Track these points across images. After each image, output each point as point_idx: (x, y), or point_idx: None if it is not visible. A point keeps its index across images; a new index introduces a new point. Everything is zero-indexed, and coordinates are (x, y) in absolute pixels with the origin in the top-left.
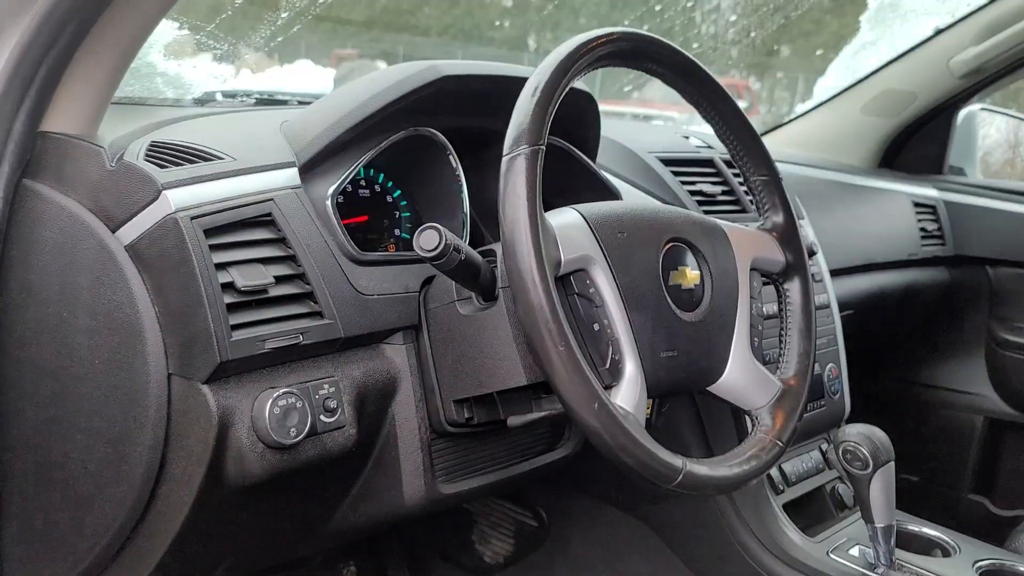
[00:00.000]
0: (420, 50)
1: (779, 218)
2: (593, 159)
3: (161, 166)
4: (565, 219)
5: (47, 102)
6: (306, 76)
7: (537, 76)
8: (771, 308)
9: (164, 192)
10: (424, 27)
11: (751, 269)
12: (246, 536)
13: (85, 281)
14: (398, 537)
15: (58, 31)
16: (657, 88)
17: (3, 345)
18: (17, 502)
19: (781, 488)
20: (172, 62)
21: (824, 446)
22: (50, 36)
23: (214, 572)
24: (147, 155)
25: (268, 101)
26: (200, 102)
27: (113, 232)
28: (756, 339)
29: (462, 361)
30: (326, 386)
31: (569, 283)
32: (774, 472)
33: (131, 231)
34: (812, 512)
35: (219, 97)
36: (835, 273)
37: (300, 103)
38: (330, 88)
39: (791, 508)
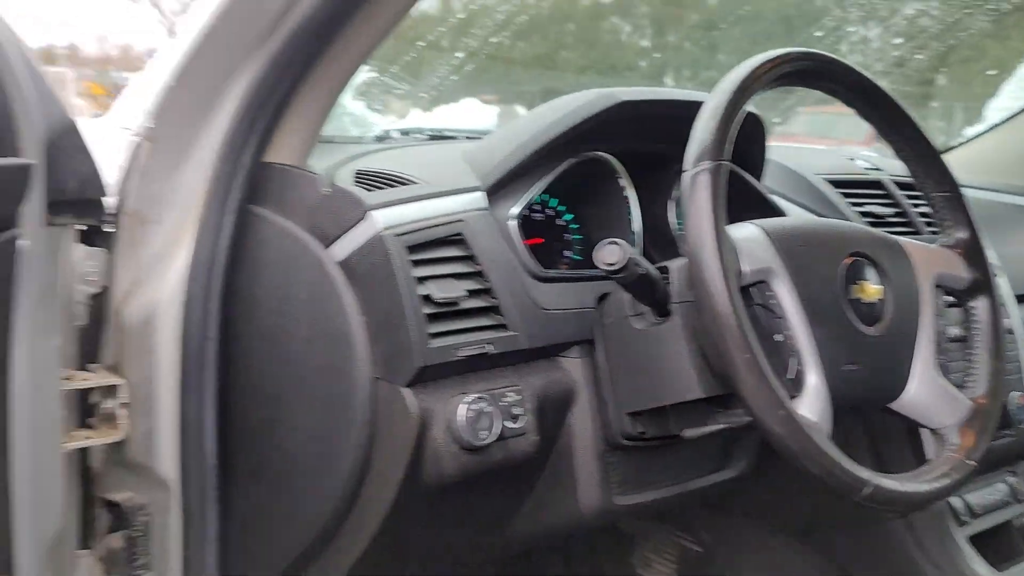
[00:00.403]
0: (558, 91)
1: (963, 234)
2: (759, 180)
3: (368, 190)
4: (745, 232)
5: (270, 137)
6: (469, 114)
7: (717, 96)
8: (953, 331)
9: (371, 212)
10: (562, 68)
11: (935, 286)
12: (434, 538)
13: (303, 294)
14: (558, 558)
15: (281, 75)
16: (802, 122)
17: (231, 353)
18: (239, 495)
19: (965, 519)
20: (357, 102)
21: (1011, 479)
22: (275, 80)
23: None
24: (355, 181)
25: (439, 137)
26: (379, 139)
27: (326, 249)
28: (941, 357)
29: (636, 375)
30: (511, 394)
31: (750, 294)
32: (956, 502)
33: (343, 248)
34: (1000, 547)
35: (395, 134)
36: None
37: (468, 138)
38: (492, 125)
39: (976, 542)
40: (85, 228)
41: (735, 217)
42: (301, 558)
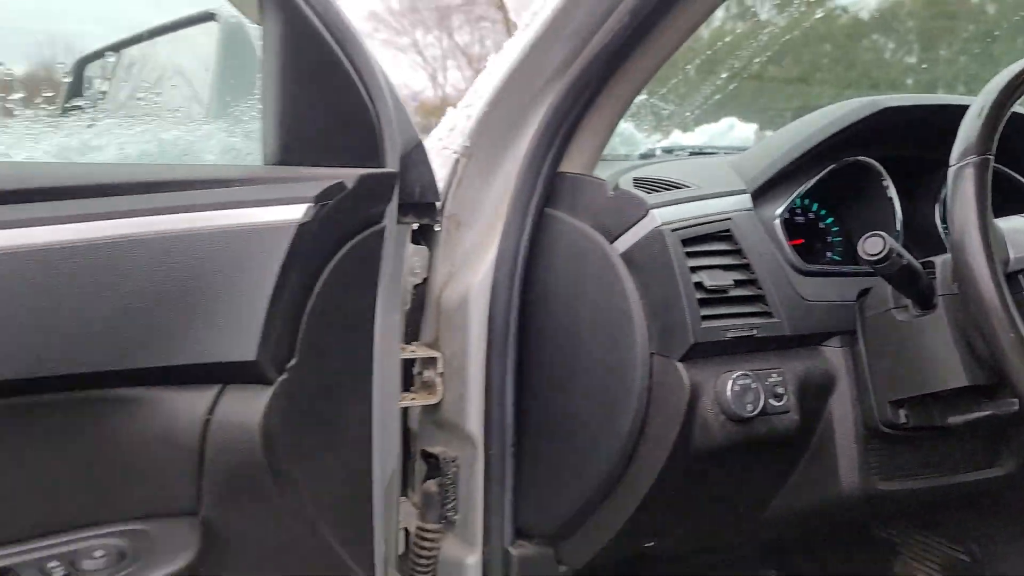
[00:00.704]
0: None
1: None
2: None
3: (647, 192)
4: (1012, 224)
5: (565, 151)
6: (726, 133)
7: (985, 94)
8: None
9: (651, 211)
10: (819, 88)
11: None
12: (697, 506)
13: (590, 281)
14: (816, 559)
15: (575, 101)
16: None
17: (529, 331)
18: (532, 452)
19: None
20: (626, 123)
21: None
22: (570, 104)
23: (659, 542)
24: (634, 185)
25: (699, 154)
26: (644, 157)
27: (611, 243)
28: None
29: (898, 364)
30: (774, 375)
31: (1017, 282)
32: None
33: (625, 242)
34: None
35: (658, 152)
36: None
37: (726, 153)
38: (748, 142)
39: None
40: (415, 228)
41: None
42: (582, 509)
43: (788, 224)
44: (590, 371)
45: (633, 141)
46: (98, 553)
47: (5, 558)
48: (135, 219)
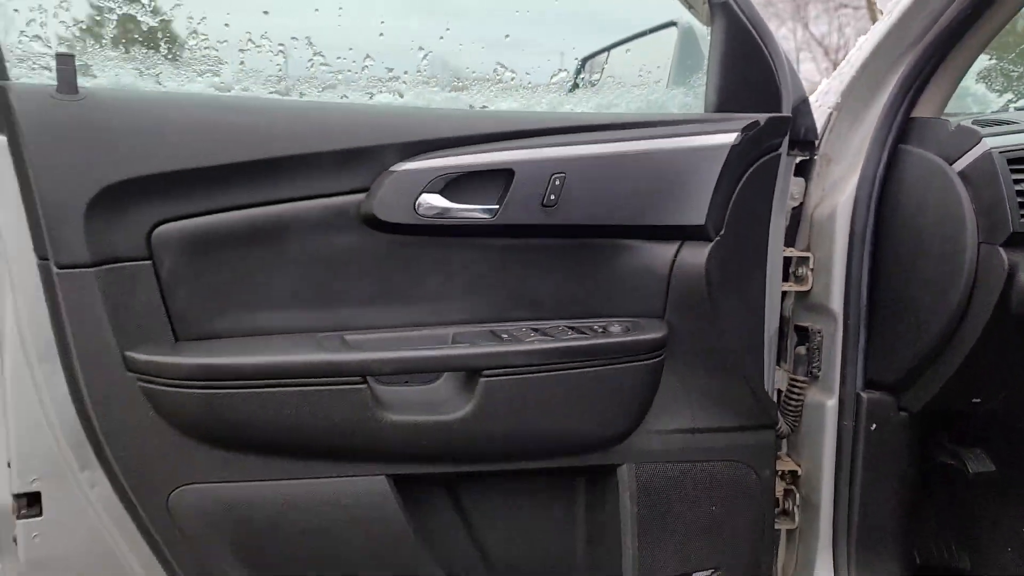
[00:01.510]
0: None
1: None
2: None
3: (982, 128)
4: None
5: (915, 103)
6: None
7: None
8: None
9: (984, 139)
10: None
11: None
12: (1018, 370)
13: (932, 195)
14: None
15: (922, 68)
16: None
17: (880, 234)
18: (880, 323)
19: None
20: (978, 85)
21: None
22: (919, 70)
23: (985, 400)
24: (972, 123)
25: None
26: (995, 114)
27: (950, 164)
28: None
29: None
30: None
31: None
32: None
33: (961, 163)
34: None
35: (1011, 110)
36: None
37: None
38: None
39: None
40: (797, 162)
41: None
42: (919, 365)
43: None
44: (930, 259)
45: (985, 101)
46: (616, 326)
47: (574, 325)
48: (638, 142)
